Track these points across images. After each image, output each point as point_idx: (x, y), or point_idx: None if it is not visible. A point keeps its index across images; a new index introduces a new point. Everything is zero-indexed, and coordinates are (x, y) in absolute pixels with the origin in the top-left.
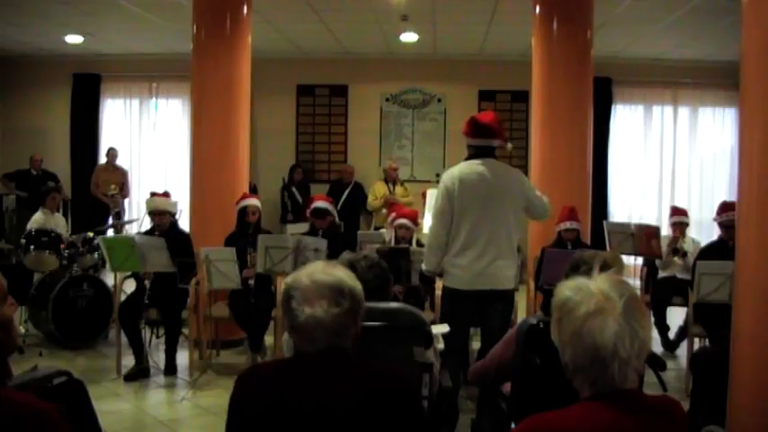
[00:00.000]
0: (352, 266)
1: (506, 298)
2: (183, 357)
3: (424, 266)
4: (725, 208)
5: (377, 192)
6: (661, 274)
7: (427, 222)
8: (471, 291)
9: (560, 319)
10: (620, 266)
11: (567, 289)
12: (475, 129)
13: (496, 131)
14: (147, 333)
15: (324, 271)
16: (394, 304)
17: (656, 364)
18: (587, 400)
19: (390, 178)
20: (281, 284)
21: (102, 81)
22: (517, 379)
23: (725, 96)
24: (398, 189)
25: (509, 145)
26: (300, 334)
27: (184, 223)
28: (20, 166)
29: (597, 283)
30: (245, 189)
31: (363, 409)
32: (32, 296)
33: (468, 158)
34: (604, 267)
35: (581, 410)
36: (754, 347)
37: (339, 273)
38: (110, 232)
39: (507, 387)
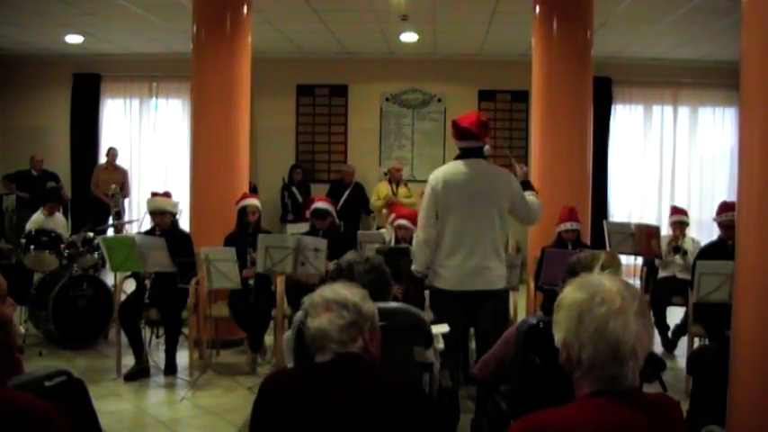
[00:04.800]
0: (350, 268)
1: (497, 298)
2: (183, 357)
3: (413, 266)
4: (724, 208)
5: (380, 192)
6: (661, 273)
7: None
8: (460, 291)
9: (580, 316)
10: (618, 267)
11: (582, 288)
12: (456, 131)
13: (476, 134)
14: (147, 333)
15: (333, 289)
16: (394, 304)
17: (656, 364)
18: (587, 398)
19: (394, 179)
20: (281, 284)
21: (102, 81)
22: (516, 379)
23: (725, 96)
24: (401, 189)
25: (486, 147)
26: (314, 346)
27: (184, 223)
28: (20, 166)
29: (612, 282)
30: (245, 189)
31: (377, 413)
32: (32, 296)
33: (455, 159)
34: (602, 269)
35: (580, 407)
36: (753, 347)
37: (347, 292)
38: (110, 232)
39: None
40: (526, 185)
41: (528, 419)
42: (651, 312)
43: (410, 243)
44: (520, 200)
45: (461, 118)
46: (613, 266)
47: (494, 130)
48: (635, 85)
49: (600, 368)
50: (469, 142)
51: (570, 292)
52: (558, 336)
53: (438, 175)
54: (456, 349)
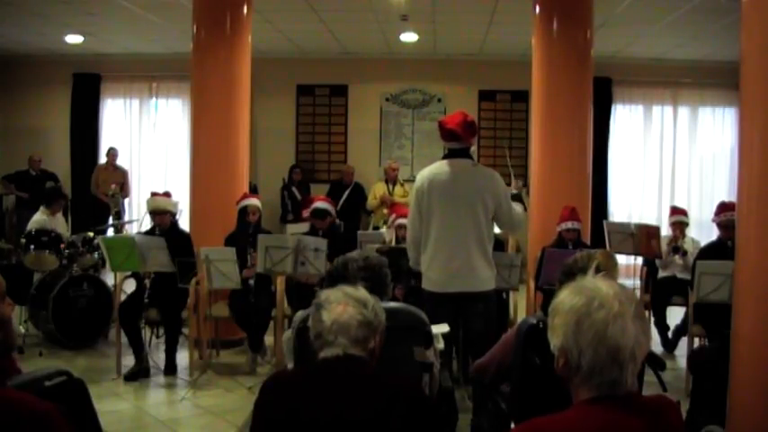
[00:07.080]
0: (345, 265)
1: (485, 299)
2: (183, 357)
3: (411, 263)
4: (723, 208)
5: (376, 192)
6: (661, 273)
7: None
8: (447, 293)
9: (578, 322)
10: (614, 267)
11: (579, 292)
12: (441, 132)
13: (461, 135)
14: (147, 333)
15: (354, 288)
16: (394, 304)
17: (656, 364)
18: (586, 403)
19: (390, 178)
20: (281, 284)
21: (102, 81)
22: (516, 379)
23: (725, 96)
24: (398, 189)
25: (472, 148)
26: (322, 340)
27: (184, 223)
28: (20, 166)
29: (609, 286)
30: (245, 189)
31: (378, 416)
32: (32, 296)
33: (442, 158)
34: (598, 271)
35: (579, 413)
36: (753, 347)
37: (368, 294)
38: (110, 232)
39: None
40: (515, 198)
41: (526, 426)
42: (651, 312)
43: None
44: (505, 201)
45: (447, 119)
46: (609, 267)
47: (494, 130)
48: (635, 85)
49: (600, 373)
50: (455, 143)
51: (567, 297)
52: (555, 341)
53: (424, 174)
54: (451, 350)
